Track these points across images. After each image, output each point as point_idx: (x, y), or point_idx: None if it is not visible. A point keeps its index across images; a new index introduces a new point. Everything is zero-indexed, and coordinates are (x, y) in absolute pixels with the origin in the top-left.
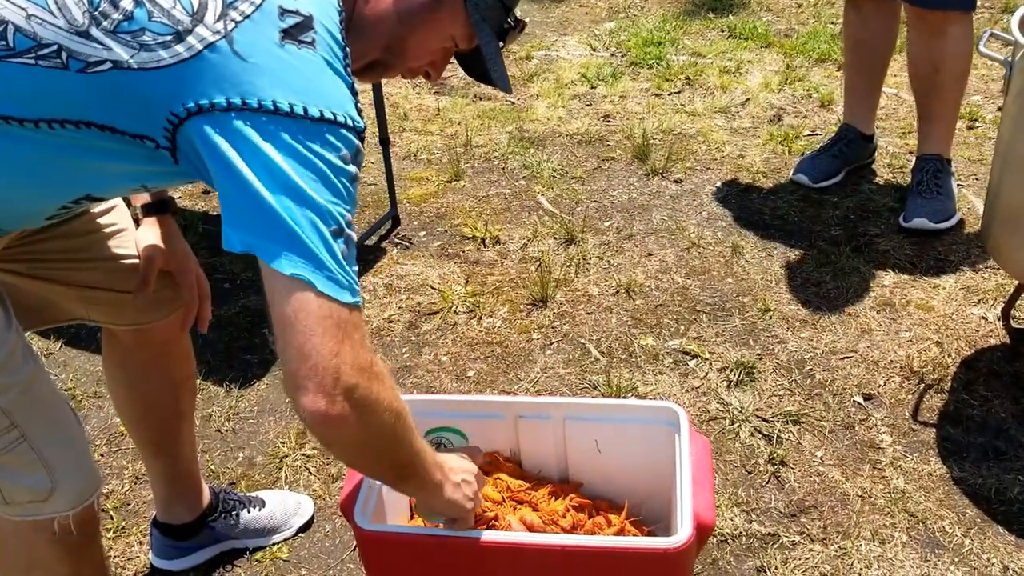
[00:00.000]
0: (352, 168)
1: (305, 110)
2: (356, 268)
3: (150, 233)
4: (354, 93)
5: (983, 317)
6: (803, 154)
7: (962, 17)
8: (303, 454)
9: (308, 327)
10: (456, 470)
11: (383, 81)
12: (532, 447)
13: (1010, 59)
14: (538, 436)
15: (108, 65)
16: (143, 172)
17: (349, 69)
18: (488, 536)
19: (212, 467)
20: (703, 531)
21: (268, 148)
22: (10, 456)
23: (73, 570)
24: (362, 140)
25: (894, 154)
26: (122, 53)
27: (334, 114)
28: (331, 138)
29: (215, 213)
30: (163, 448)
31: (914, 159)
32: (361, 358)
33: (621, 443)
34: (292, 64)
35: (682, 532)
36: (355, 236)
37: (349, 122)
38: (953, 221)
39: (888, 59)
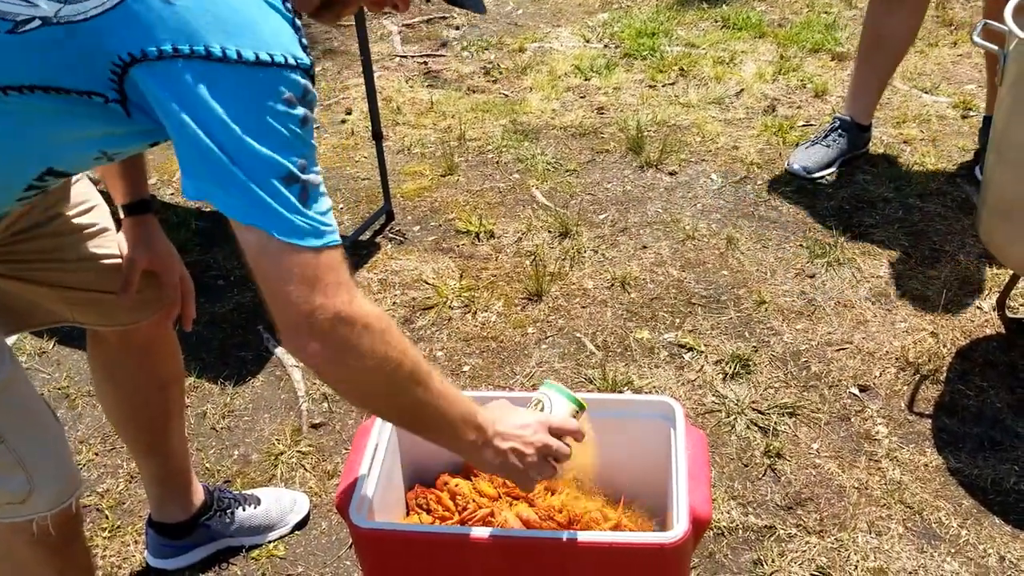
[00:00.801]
0: (299, 110)
1: (240, 54)
2: (324, 208)
3: (132, 234)
4: (297, 30)
5: (978, 307)
6: (798, 144)
7: None
8: (298, 451)
9: (276, 276)
10: (507, 435)
11: (375, 75)
12: None
13: (1004, 49)
14: None
15: (37, 23)
16: (100, 136)
17: (289, 4)
18: (483, 532)
19: (207, 465)
20: (699, 525)
21: (207, 97)
22: None
23: (56, 571)
24: (311, 79)
25: (888, 144)
26: (47, 8)
27: (271, 55)
28: (272, 82)
29: (208, 209)
30: (153, 448)
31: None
32: (336, 302)
33: (617, 437)
34: (223, 4)
35: (678, 527)
36: (317, 177)
37: (292, 61)
38: (822, 174)
39: (905, 55)
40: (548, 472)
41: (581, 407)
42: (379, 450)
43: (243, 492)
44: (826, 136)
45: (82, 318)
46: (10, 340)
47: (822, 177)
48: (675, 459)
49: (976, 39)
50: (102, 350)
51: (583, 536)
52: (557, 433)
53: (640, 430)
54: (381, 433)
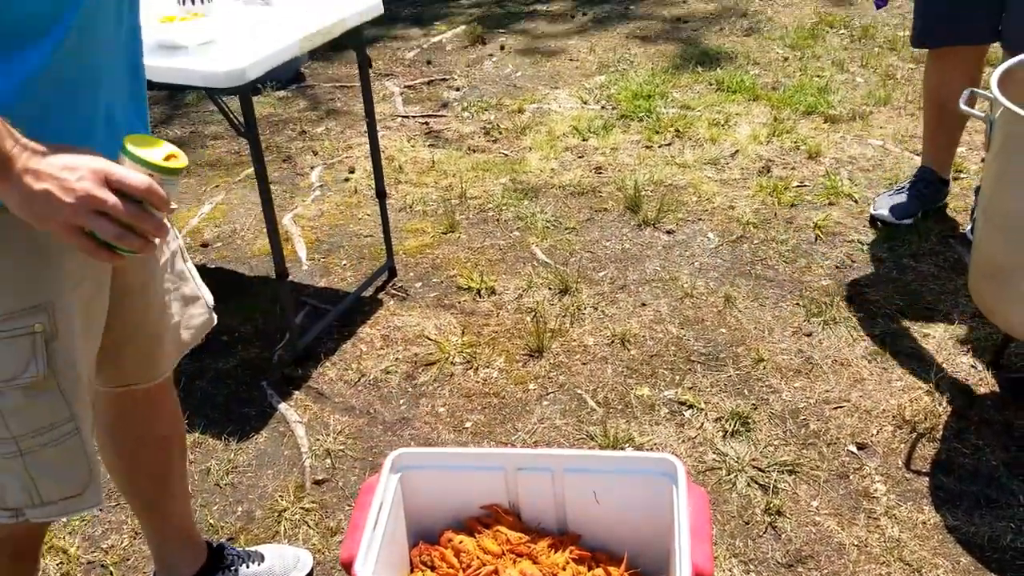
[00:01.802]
0: None
1: None
2: None
3: None
4: None
5: (973, 366)
6: (792, 202)
7: None
8: (302, 507)
9: None
10: (41, 173)
11: (379, 134)
12: (531, 499)
13: (990, 116)
14: (537, 488)
15: None
16: None
17: None
18: None
19: (211, 521)
20: None
21: None
22: (58, 449)
23: None
24: None
25: None
26: None
27: None
28: None
29: (212, 266)
30: (154, 505)
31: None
32: None
33: (619, 494)
34: None
35: None
36: None
37: None
38: (907, 221)
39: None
40: (107, 231)
41: (162, 168)
42: (383, 507)
43: (247, 549)
44: (912, 187)
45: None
46: None
47: (906, 222)
48: (677, 516)
49: (963, 107)
50: (103, 409)
51: None
52: (119, 187)
53: (643, 487)
54: (386, 490)
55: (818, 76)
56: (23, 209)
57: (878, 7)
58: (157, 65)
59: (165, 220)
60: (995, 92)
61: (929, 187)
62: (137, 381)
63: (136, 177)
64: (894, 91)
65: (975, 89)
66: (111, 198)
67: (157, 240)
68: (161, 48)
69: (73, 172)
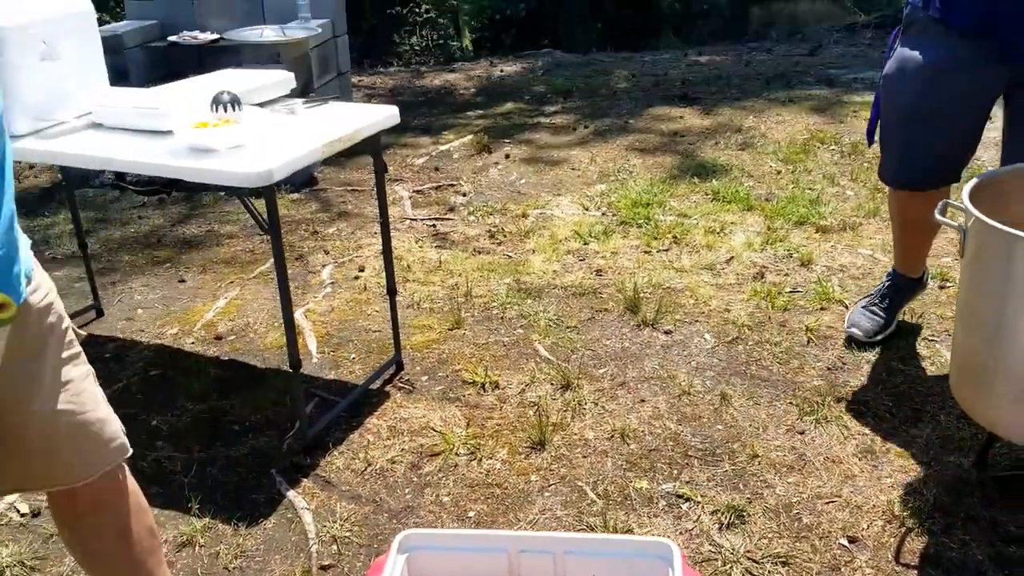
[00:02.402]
0: None
1: None
2: None
3: None
4: None
5: (959, 464)
6: (785, 307)
7: None
8: None
9: None
10: None
11: (392, 234)
12: None
13: (963, 226)
14: (539, 570)
15: None
16: None
17: None
18: None
19: None
20: None
21: None
22: None
23: None
24: None
25: None
26: None
27: None
28: None
29: (225, 358)
30: None
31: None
32: None
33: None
34: None
35: None
36: None
37: None
38: (879, 338)
39: (938, 228)
40: None
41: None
42: None
43: None
44: (883, 298)
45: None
46: None
47: (881, 339)
48: None
49: (938, 217)
50: (59, 513)
51: None
52: None
53: (640, 570)
54: (393, 570)
55: (810, 189)
56: None
57: (871, 143)
58: (191, 166)
59: None
60: (967, 204)
61: (900, 292)
62: (67, 481)
63: None
64: (882, 204)
65: (949, 201)
66: None
67: None
68: (195, 151)
69: None
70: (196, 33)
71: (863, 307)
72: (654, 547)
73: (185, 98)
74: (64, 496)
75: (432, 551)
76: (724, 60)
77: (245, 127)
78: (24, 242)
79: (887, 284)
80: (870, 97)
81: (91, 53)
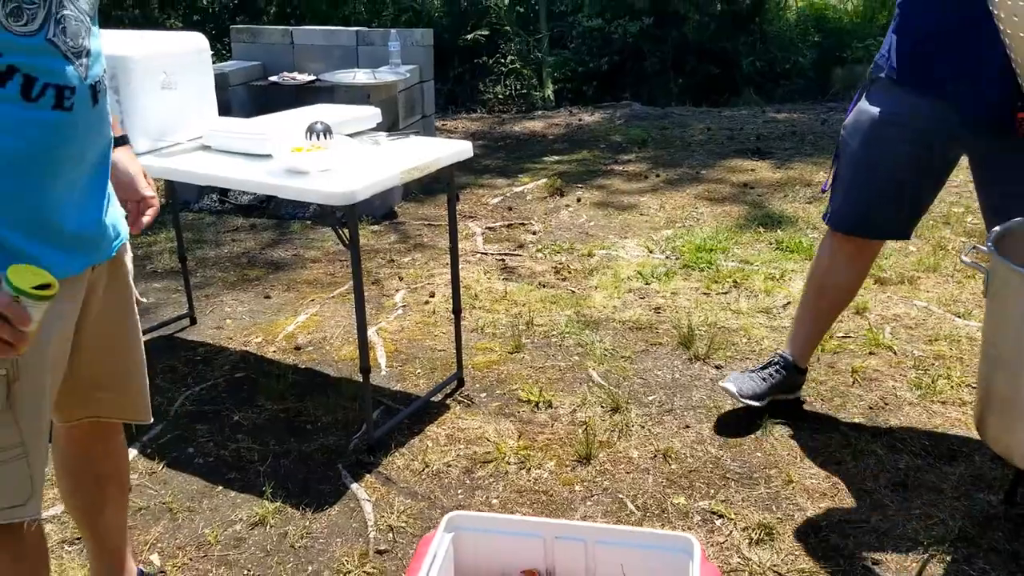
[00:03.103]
0: None
1: None
2: None
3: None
4: None
5: (988, 501)
6: (835, 350)
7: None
8: (364, 571)
9: None
10: None
11: (462, 266)
12: (565, 566)
13: (988, 268)
14: (571, 556)
15: None
16: None
17: None
18: None
19: None
20: None
21: None
22: (8, 467)
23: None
24: None
25: (920, 357)
26: None
27: None
28: None
29: (303, 366)
30: (88, 527)
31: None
32: None
33: (644, 567)
34: None
35: None
36: None
37: None
38: (752, 402)
39: (846, 306)
40: None
41: (30, 294)
42: (436, 559)
43: None
44: (765, 368)
45: None
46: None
47: (751, 403)
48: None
49: (965, 259)
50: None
51: None
52: None
53: (663, 560)
54: (440, 545)
55: None
56: None
57: (823, 192)
58: (287, 185)
59: (28, 332)
60: (991, 248)
61: (781, 372)
62: (105, 414)
63: (1, 297)
64: (943, 260)
65: (977, 245)
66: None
67: (17, 348)
68: (290, 172)
69: None
70: (295, 74)
71: (745, 372)
72: (677, 541)
73: (283, 127)
74: (109, 433)
75: (476, 532)
76: (801, 117)
77: (334, 154)
78: (120, 213)
79: (772, 361)
80: None
81: (204, 85)
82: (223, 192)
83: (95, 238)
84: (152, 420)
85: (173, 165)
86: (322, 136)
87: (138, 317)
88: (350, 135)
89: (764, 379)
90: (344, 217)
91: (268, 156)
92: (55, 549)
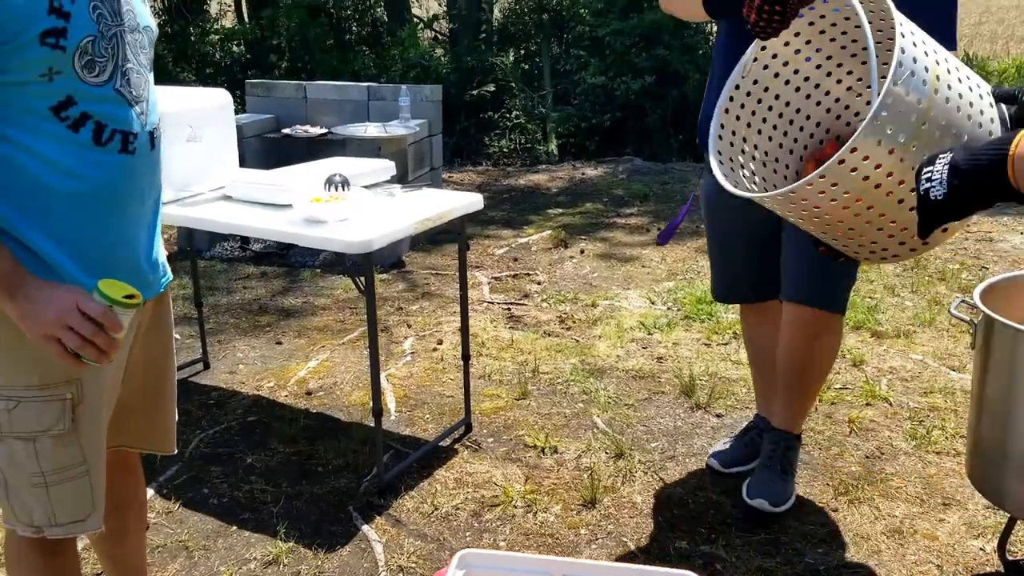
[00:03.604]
0: None
1: None
2: None
3: None
4: None
5: (981, 549)
6: (832, 400)
7: (837, 318)
8: None
9: None
10: (28, 308)
11: (470, 315)
12: None
13: (974, 320)
14: None
15: None
16: None
17: None
18: None
19: None
20: None
21: None
22: (72, 484)
23: None
24: None
25: (915, 409)
26: None
27: None
28: None
29: (314, 411)
30: (110, 556)
31: (768, 429)
32: None
33: None
34: None
35: None
36: None
37: None
38: (788, 505)
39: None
40: (72, 341)
41: (121, 303)
42: None
43: None
44: (744, 434)
45: None
46: None
47: (733, 471)
48: None
49: (953, 312)
50: (125, 474)
51: None
52: (84, 312)
53: None
54: None
55: (870, 298)
56: (20, 323)
57: (660, 243)
58: (307, 234)
59: (118, 340)
60: (977, 301)
61: (762, 435)
62: (132, 444)
63: (96, 306)
64: (939, 315)
65: (965, 299)
66: (76, 317)
67: (110, 353)
68: (309, 222)
69: (54, 302)
70: (307, 127)
71: (723, 441)
72: None
73: (302, 178)
74: (130, 464)
75: (486, 569)
76: None
77: (351, 204)
78: (164, 253)
79: (749, 426)
80: None
81: (227, 138)
82: (244, 240)
83: (149, 274)
84: (176, 451)
85: (196, 214)
86: (340, 187)
87: (175, 353)
88: (365, 187)
89: (747, 444)
90: (360, 265)
91: (288, 206)
92: None
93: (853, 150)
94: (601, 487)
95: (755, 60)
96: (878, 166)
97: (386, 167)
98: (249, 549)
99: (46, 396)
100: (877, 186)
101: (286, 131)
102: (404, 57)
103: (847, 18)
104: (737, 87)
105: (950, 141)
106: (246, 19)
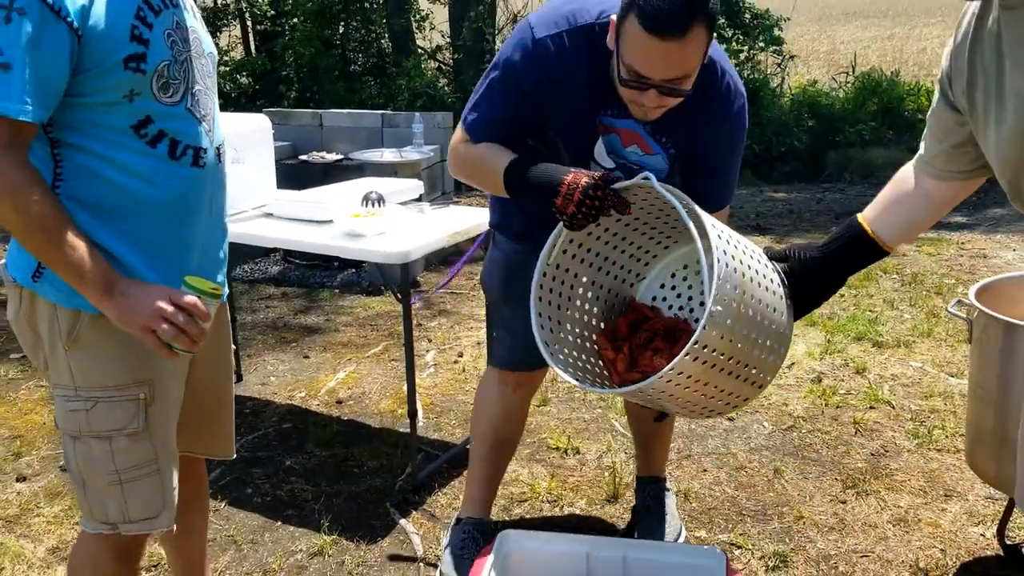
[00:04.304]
0: None
1: None
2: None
3: None
4: None
5: (982, 535)
6: (838, 404)
7: None
8: None
9: None
10: (125, 303)
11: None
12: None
13: (970, 317)
14: (610, 570)
15: None
16: None
17: None
18: None
19: None
20: None
21: None
22: (145, 482)
23: None
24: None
25: (916, 411)
26: None
27: None
28: None
29: (346, 418)
30: (175, 551)
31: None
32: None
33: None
34: None
35: None
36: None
37: None
38: (682, 537)
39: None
40: (167, 332)
41: (208, 294)
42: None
43: None
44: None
45: None
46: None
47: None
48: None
49: (951, 310)
50: (191, 479)
51: None
52: (177, 304)
53: (690, 573)
54: (495, 556)
55: (870, 311)
56: (118, 319)
57: (438, 290)
58: (346, 246)
59: (206, 329)
60: (973, 299)
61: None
62: (195, 450)
63: (189, 297)
64: (936, 326)
65: (961, 299)
66: (171, 308)
67: (199, 343)
68: (349, 236)
69: (149, 296)
70: (323, 153)
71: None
72: (706, 554)
73: (340, 197)
74: (196, 466)
75: (524, 549)
76: (798, 197)
77: (388, 219)
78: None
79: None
80: (935, 235)
81: (266, 159)
82: (288, 255)
83: (217, 279)
84: (235, 456)
85: (243, 230)
86: (377, 204)
87: (233, 361)
88: (399, 204)
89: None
90: (397, 276)
91: (327, 222)
92: None
93: (700, 344)
94: (623, 483)
95: (564, 251)
96: (715, 351)
97: (415, 186)
98: (295, 542)
99: (121, 396)
100: (713, 366)
101: (303, 157)
102: (410, 87)
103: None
104: (544, 274)
105: (759, 313)
106: (253, 51)
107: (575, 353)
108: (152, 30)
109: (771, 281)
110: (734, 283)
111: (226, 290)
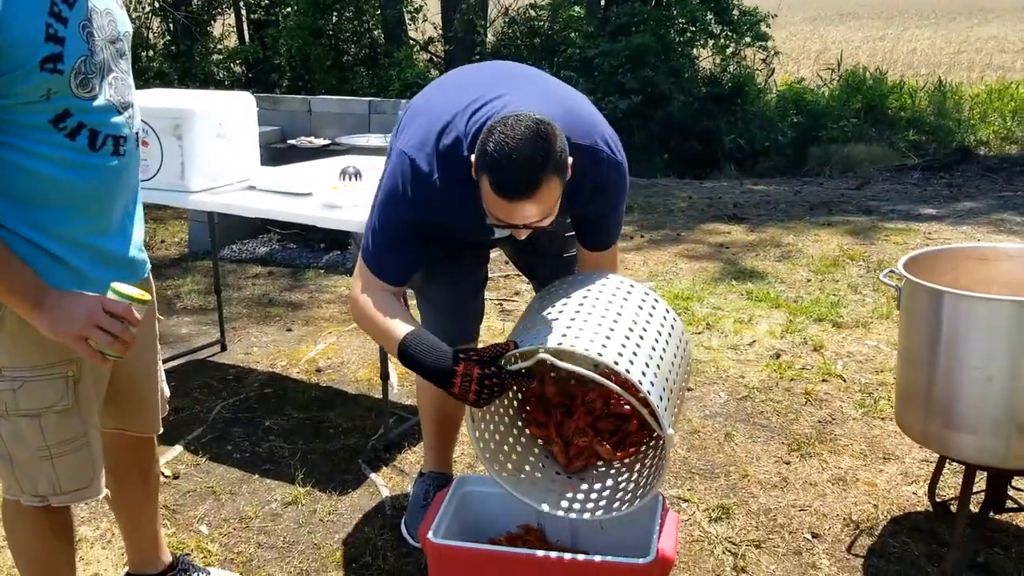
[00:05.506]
0: None
1: None
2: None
3: None
4: None
5: (914, 492)
6: (792, 377)
7: None
8: (383, 538)
9: None
10: (56, 314)
11: None
12: (553, 523)
13: (899, 285)
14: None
15: None
16: None
17: None
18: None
19: (315, 541)
20: (666, 564)
21: None
22: (75, 456)
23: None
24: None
25: (865, 384)
26: None
27: None
28: None
29: (324, 384)
30: (129, 522)
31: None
32: None
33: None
34: None
35: (650, 556)
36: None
37: None
38: None
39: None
40: (102, 339)
41: (137, 300)
42: (448, 503)
43: (198, 565)
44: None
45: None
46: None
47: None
48: (656, 523)
49: (883, 279)
50: (127, 453)
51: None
52: (109, 311)
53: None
54: (452, 494)
55: (833, 295)
56: (50, 329)
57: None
58: (325, 216)
59: (135, 334)
60: (901, 269)
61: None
62: (123, 426)
63: (120, 305)
64: (895, 309)
65: (892, 269)
66: (105, 317)
67: (130, 347)
68: (327, 207)
69: (80, 305)
70: (311, 138)
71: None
72: None
73: (320, 171)
74: (139, 442)
75: (481, 490)
76: (776, 189)
77: (364, 191)
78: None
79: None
80: (904, 225)
81: (250, 136)
82: (283, 227)
83: (135, 260)
84: (161, 431)
85: (227, 201)
86: (354, 178)
87: (158, 336)
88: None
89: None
90: None
91: (307, 194)
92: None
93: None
94: None
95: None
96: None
97: None
98: (270, 493)
99: (50, 375)
100: None
101: (291, 142)
102: (400, 77)
103: None
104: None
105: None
106: (247, 40)
107: (517, 448)
108: (67, 25)
109: (676, 347)
110: (665, 403)
111: (148, 266)
